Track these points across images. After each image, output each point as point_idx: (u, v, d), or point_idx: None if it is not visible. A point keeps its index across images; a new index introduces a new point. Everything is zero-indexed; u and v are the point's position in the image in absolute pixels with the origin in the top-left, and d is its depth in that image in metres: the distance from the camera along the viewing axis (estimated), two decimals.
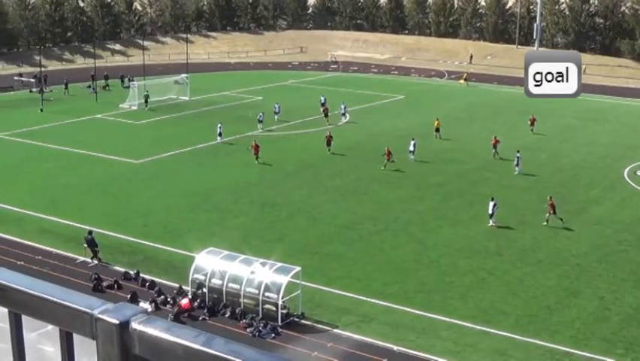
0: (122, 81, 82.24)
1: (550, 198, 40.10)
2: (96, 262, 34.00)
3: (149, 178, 47.77)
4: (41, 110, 68.18)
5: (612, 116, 70.14)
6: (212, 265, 30.41)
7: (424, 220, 40.33)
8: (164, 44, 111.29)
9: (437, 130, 58.29)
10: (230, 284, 29.81)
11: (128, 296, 30.04)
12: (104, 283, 31.76)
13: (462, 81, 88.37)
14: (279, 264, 30.03)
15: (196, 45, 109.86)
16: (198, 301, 30.23)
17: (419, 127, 60.28)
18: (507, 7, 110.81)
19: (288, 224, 39.59)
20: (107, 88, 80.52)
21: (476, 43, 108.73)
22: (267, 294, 29.06)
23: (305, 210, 41.63)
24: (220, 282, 30.01)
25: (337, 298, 30.85)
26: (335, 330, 28.31)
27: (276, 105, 65.17)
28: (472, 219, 40.15)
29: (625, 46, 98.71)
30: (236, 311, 29.31)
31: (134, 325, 2.09)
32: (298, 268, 29.63)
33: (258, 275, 29.57)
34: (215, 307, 29.80)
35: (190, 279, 30.58)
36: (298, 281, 29.58)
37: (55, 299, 2.22)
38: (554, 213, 39.30)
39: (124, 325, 2.09)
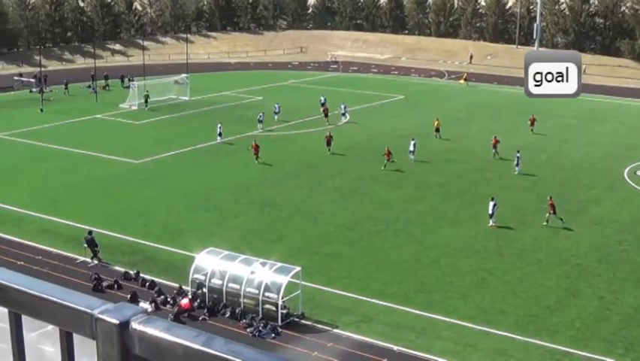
0: (122, 81, 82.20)
1: (550, 198, 40.10)
2: (96, 262, 34.00)
3: (149, 178, 47.77)
4: (41, 110, 68.18)
5: (612, 116, 70.13)
6: (212, 265, 30.41)
7: (424, 220, 40.33)
8: (164, 44, 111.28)
9: (437, 130, 58.27)
10: (230, 284, 29.81)
11: (128, 296, 30.05)
12: (104, 283, 31.76)
13: (462, 81, 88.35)
14: (279, 264, 30.03)
15: (196, 45, 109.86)
16: (198, 301, 30.23)
17: (419, 127, 60.26)
18: (507, 7, 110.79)
19: (288, 224, 39.59)
20: (107, 88, 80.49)
21: (476, 43, 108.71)
22: (267, 294, 29.06)
23: (305, 210, 41.62)
24: (220, 282, 30.01)
25: (337, 298, 30.85)
26: (335, 330, 28.31)
27: (276, 105, 65.15)
28: (472, 219, 40.15)
29: (625, 46, 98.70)
30: (237, 311, 29.31)
31: (134, 325, 2.09)
32: (298, 268, 29.62)
33: (258, 275, 29.57)
34: (215, 307, 29.80)
35: (190, 279, 30.58)
36: (298, 281, 29.58)
37: (55, 299, 2.22)
38: (554, 213, 39.29)
39: (124, 325, 2.09)
